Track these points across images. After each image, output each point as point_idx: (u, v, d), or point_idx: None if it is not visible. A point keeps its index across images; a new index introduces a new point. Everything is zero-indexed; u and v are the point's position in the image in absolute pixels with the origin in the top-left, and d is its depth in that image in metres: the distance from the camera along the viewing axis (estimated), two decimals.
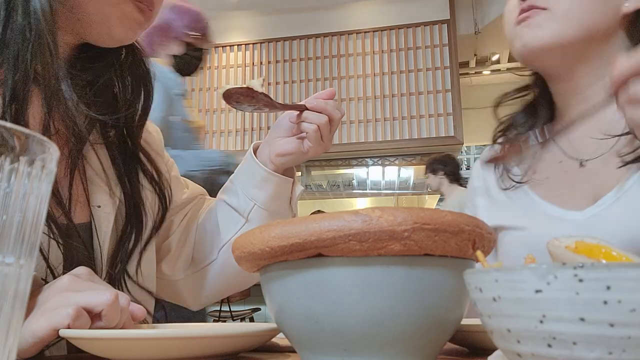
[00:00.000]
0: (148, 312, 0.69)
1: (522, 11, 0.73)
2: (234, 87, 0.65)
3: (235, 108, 0.68)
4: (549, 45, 0.71)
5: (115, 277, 0.65)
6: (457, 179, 3.40)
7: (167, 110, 1.58)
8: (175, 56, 1.76)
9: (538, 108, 0.82)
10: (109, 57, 0.68)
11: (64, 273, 0.57)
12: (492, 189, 0.85)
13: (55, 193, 0.59)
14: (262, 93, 0.66)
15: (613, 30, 0.72)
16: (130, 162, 0.70)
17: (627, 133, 0.68)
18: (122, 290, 0.65)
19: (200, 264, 0.78)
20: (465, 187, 2.97)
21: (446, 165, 3.42)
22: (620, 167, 0.66)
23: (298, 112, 0.70)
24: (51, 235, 0.57)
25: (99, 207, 0.65)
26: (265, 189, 0.73)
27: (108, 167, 0.68)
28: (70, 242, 0.60)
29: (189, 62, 1.80)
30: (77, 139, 0.61)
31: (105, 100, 0.68)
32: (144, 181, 0.71)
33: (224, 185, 0.79)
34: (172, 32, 1.74)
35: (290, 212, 0.77)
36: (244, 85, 0.65)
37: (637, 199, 0.66)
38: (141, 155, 0.71)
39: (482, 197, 0.87)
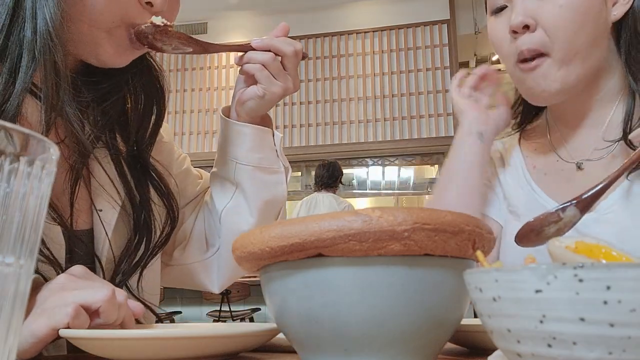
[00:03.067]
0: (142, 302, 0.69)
1: (523, 56, 0.71)
2: (143, 24, 0.60)
3: (151, 49, 0.63)
4: (557, 93, 0.70)
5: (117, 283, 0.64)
6: None
7: None
8: None
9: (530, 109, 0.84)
10: (122, 73, 0.67)
11: None
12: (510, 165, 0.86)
13: (56, 202, 0.60)
14: (175, 31, 0.62)
15: (603, 41, 0.71)
16: (141, 175, 0.70)
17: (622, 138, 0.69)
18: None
19: (214, 246, 0.77)
20: None
21: None
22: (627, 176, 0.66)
23: (241, 54, 0.67)
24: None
25: (100, 210, 0.65)
26: (241, 143, 0.70)
27: (115, 179, 0.68)
28: (73, 247, 0.60)
29: None
30: (79, 151, 0.61)
31: (113, 116, 0.67)
32: (154, 197, 0.71)
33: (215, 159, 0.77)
34: None
35: (279, 163, 0.73)
36: (149, 22, 0.61)
37: (633, 209, 0.67)
38: (151, 170, 0.71)
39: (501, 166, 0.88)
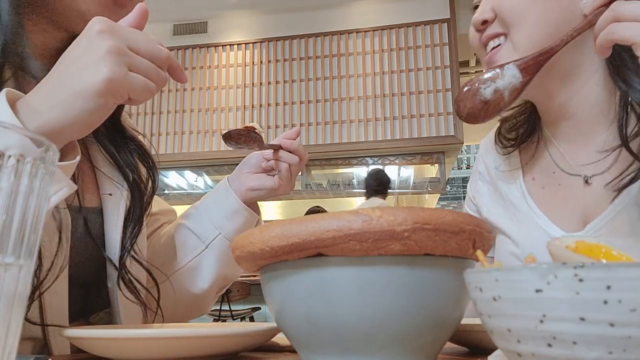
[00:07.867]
0: (143, 286, 0.70)
1: (484, 44, 0.71)
2: (234, 129, 0.70)
3: (232, 148, 0.72)
4: None
5: (124, 258, 0.66)
6: None
7: None
8: None
9: (532, 117, 0.81)
10: None
11: (71, 253, 0.58)
12: (493, 178, 0.84)
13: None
14: (259, 135, 0.72)
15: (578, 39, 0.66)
16: (124, 146, 0.72)
17: (620, 145, 0.66)
18: (125, 268, 0.66)
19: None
20: None
21: None
22: (615, 194, 0.65)
23: (274, 150, 0.74)
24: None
25: (110, 194, 0.68)
26: (235, 221, 0.75)
27: (108, 160, 0.71)
28: (80, 223, 0.62)
29: None
30: None
31: None
32: (136, 158, 0.74)
33: (186, 211, 0.79)
34: None
35: None
36: (249, 125, 0.71)
37: (621, 231, 0.64)
38: (127, 134, 0.74)
39: (484, 183, 0.86)
